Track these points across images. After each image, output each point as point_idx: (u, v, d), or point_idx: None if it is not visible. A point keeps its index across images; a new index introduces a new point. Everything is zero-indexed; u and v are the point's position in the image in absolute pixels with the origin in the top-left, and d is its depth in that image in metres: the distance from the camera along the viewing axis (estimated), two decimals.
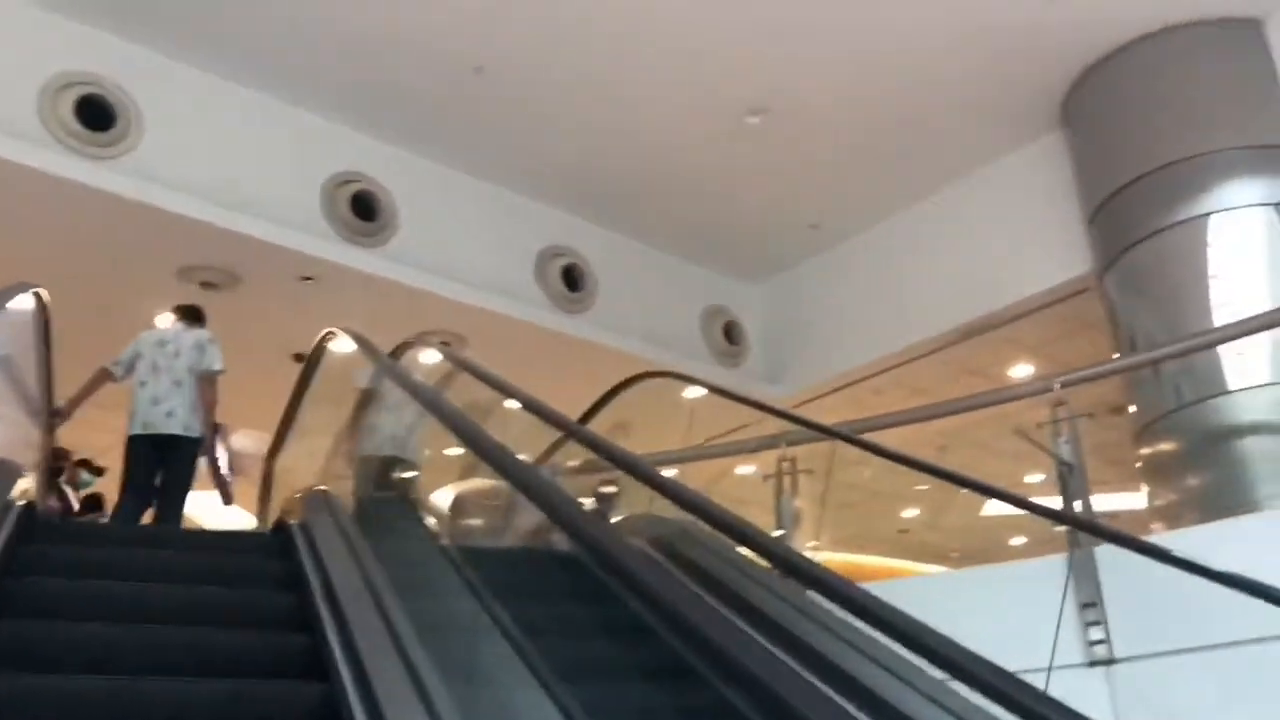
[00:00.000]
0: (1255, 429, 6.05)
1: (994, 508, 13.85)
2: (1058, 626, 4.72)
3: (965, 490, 6.84)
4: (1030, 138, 8.03)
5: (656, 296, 9.20)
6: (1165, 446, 6.43)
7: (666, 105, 7.69)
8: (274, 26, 7.01)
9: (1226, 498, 5.95)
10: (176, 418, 5.63)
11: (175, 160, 6.87)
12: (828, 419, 10.10)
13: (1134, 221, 6.92)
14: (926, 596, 5.73)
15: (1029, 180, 8.04)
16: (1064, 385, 5.68)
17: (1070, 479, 5.57)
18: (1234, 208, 6.53)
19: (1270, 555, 4.72)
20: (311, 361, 5.99)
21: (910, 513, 14.25)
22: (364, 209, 7.64)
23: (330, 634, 2.84)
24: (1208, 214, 6.59)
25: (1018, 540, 17.24)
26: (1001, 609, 5.42)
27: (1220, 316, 6.34)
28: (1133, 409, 6.85)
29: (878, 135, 8.01)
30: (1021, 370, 10.00)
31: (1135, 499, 6.95)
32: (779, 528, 6.48)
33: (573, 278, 8.54)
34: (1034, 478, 13.12)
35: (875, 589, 6.12)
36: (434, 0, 6.86)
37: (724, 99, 7.58)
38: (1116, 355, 7.12)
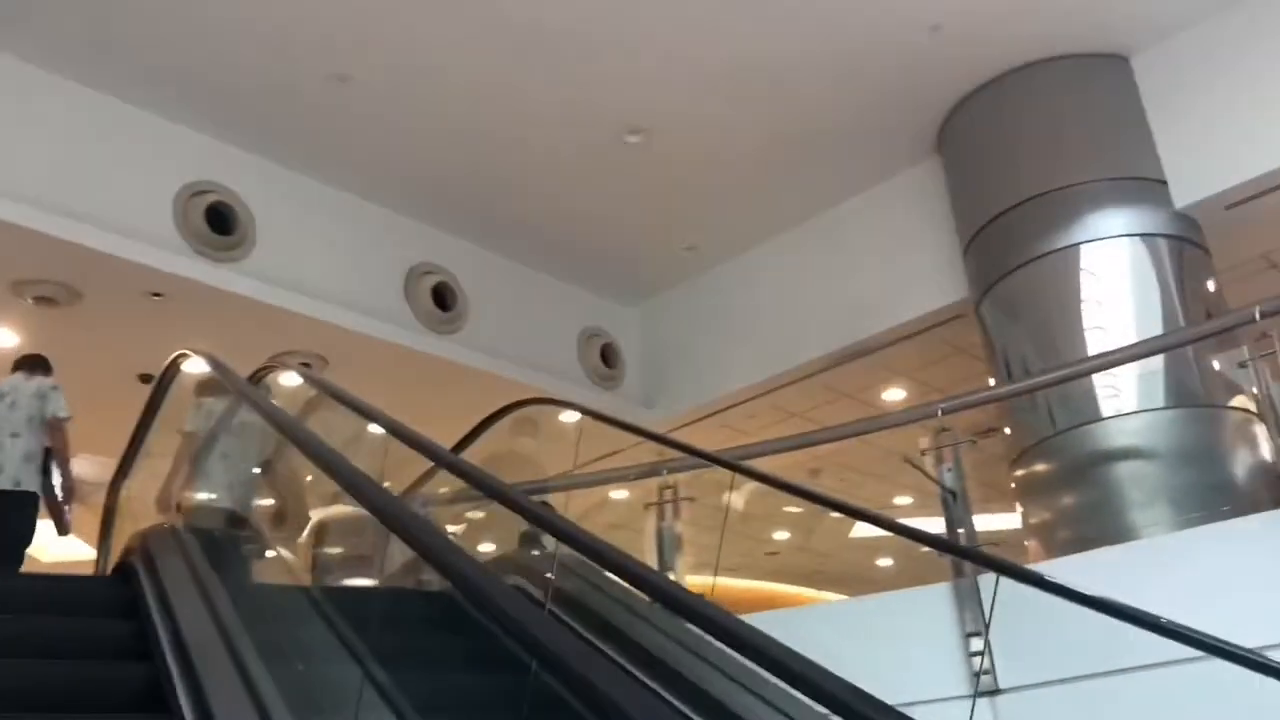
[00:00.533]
0: (1126, 454, 6.16)
1: (862, 530, 14.00)
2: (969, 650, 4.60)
3: (836, 514, 6.80)
4: (908, 164, 8.10)
5: (532, 317, 8.95)
6: (1042, 471, 6.49)
7: (544, 121, 7.47)
8: (123, 22, 6.52)
9: (1102, 522, 6.04)
10: (5, 473, 5.44)
11: (7, 164, 6.30)
12: (703, 443, 10.02)
13: (1008, 250, 7.01)
14: (813, 626, 5.65)
15: (906, 206, 8.11)
16: (945, 412, 5.67)
17: (954, 506, 5.56)
18: (1103, 238, 6.67)
19: (1152, 581, 4.79)
20: (162, 384, 5.54)
21: (780, 535, 14.29)
22: (220, 221, 7.17)
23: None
24: (1079, 244, 6.71)
25: (884, 561, 17.57)
26: (887, 638, 5.36)
27: (1092, 343, 6.47)
28: (1007, 431, 6.92)
29: (756, 158, 7.96)
30: (893, 394, 10.10)
31: (1009, 519, 7.03)
32: (660, 556, 6.31)
33: (443, 297, 8.21)
34: (902, 499, 13.37)
35: (764, 619, 6.02)
36: (297, 3, 6.49)
37: (603, 117, 7.41)
38: (992, 381, 7.21)
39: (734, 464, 6.08)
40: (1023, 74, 7.25)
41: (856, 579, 17.00)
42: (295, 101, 7.19)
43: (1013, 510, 6.97)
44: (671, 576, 6.17)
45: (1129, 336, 6.38)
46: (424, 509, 5.42)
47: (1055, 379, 5.92)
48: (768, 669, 3.19)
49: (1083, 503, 6.26)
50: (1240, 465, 5.99)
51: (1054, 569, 4.97)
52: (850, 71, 7.17)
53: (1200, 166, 6.70)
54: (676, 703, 4.24)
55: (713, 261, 9.21)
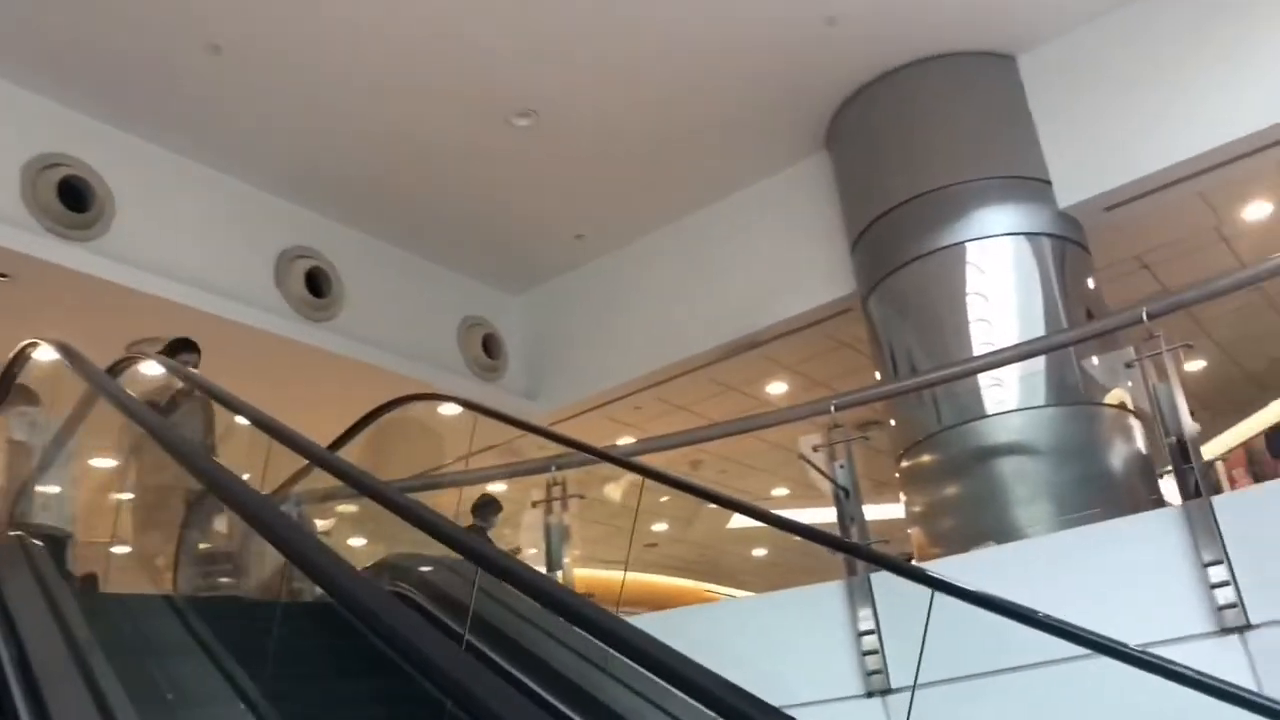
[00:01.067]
0: (1009, 451, 6.25)
1: (739, 521, 14.12)
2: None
3: (713, 506, 6.74)
4: (798, 157, 8.09)
5: (411, 305, 8.63)
6: (929, 466, 6.54)
7: (429, 101, 7.17)
8: None
9: (987, 518, 6.12)
10: None
11: None
12: (587, 436, 9.86)
13: (896, 246, 7.05)
14: (706, 626, 5.57)
15: (796, 199, 8.10)
16: (839, 407, 5.63)
17: (846, 503, 5.53)
18: (989, 236, 6.76)
19: (1042, 580, 4.84)
20: (7, 376, 5.09)
21: (659, 527, 14.26)
22: (74, 197, 6.64)
23: None
24: (965, 241, 6.78)
25: (759, 551, 17.76)
26: (781, 638, 5.30)
27: (978, 340, 6.55)
28: (892, 423, 6.96)
29: (648, 146, 7.82)
30: (777, 387, 10.13)
31: (892, 509, 7.07)
32: (548, 554, 6.14)
33: (317, 283, 7.83)
34: (780, 490, 13.47)
35: (651, 620, 5.89)
36: None
37: (492, 98, 7.16)
38: (878, 375, 7.24)
39: (646, 468, 5.88)
40: (913, 70, 7.29)
41: (734, 570, 17.24)
42: (162, 72, 6.72)
43: (896, 501, 7.03)
44: (560, 575, 6.01)
45: (1013, 333, 6.48)
46: (297, 509, 5.11)
47: (945, 376, 5.95)
48: (652, 671, 3.04)
49: (968, 498, 6.34)
50: (1119, 462, 6.14)
51: (945, 567, 5.00)
52: (745, 62, 7.09)
53: (1083, 168, 6.84)
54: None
55: (600, 251, 9.05)
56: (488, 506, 7.41)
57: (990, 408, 6.31)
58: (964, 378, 6.01)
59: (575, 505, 6.31)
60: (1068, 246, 6.81)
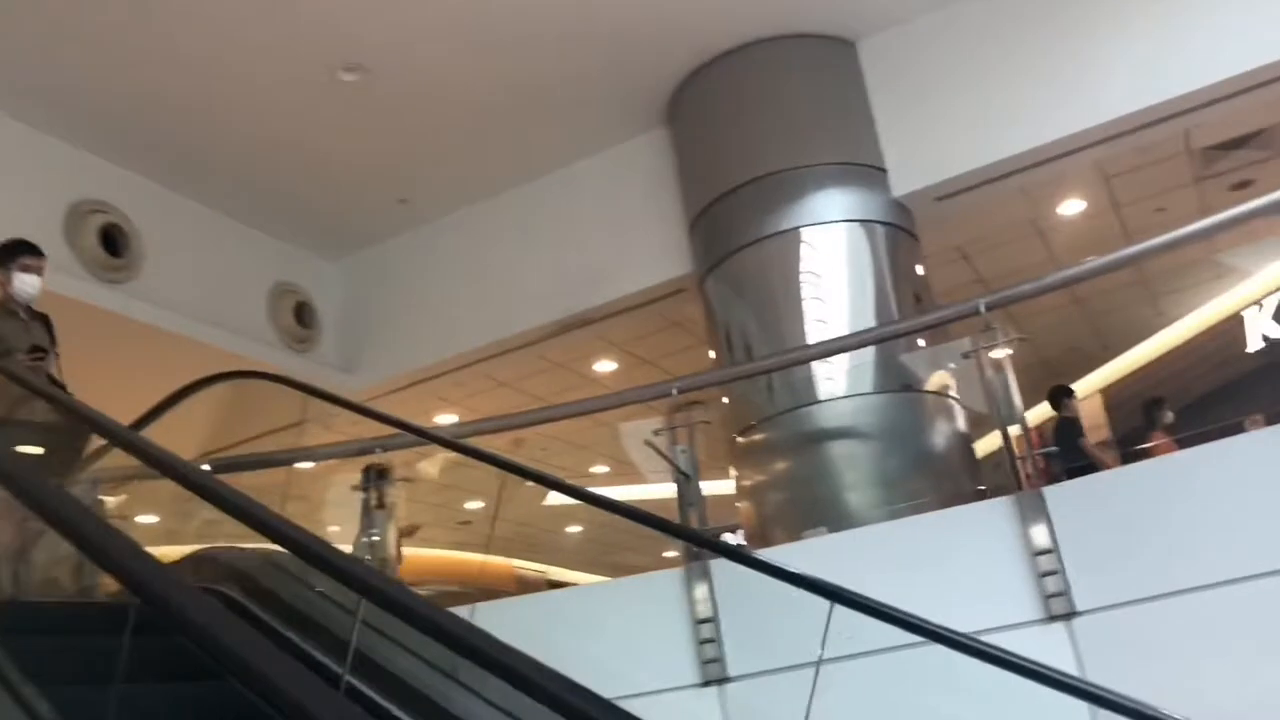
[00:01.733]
0: (841, 436, 6.31)
1: (554, 499, 13.96)
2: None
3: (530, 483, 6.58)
4: (639, 131, 7.95)
5: (217, 268, 8.03)
6: (763, 448, 6.53)
7: (245, 45, 6.61)
8: None
9: (820, 501, 6.17)
10: None
11: None
12: (405, 412, 9.48)
13: (734, 228, 7.01)
14: (541, 615, 5.38)
15: (635, 175, 7.95)
16: (681, 391, 5.54)
17: (687, 488, 5.45)
18: (826, 222, 6.79)
19: (877, 567, 4.89)
20: None
21: (474, 504, 13.98)
22: None
23: None
24: (801, 226, 6.79)
25: (575, 528, 17.66)
26: (620, 626, 5.18)
27: (812, 325, 6.58)
28: (725, 400, 6.91)
29: (481, 111, 7.50)
30: (605, 365, 10.02)
31: (724, 485, 7.04)
32: (367, 540, 5.81)
33: (114, 240, 7.15)
34: (599, 468, 13.37)
35: (486, 610, 5.67)
36: None
37: (317, 49, 6.68)
38: (712, 355, 7.21)
39: (503, 462, 5.64)
40: (755, 50, 7.25)
41: (550, 546, 17.19)
42: None
43: (726, 478, 7.01)
44: (386, 563, 5.70)
45: (846, 319, 6.55)
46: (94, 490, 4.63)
47: (787, 361, 5.96)
48: (473, 660, 2.82)
49: (800, 482, 6.38)
50: (946, 450, 6.30)
51: (783, 554, 4.97)
52: (586, 28, 6.87)
53: (917, 157, 6.97)
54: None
55: (426, 218, 8.66)
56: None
57: (823, 393, 6.35)
58: (806, 363, 6.02)
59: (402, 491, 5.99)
60: (899, 234, 6.93)
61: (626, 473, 13.11)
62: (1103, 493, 4.68)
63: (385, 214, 8.58)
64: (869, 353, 6.31)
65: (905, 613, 4.06)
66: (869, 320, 6.53)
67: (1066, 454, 6.89)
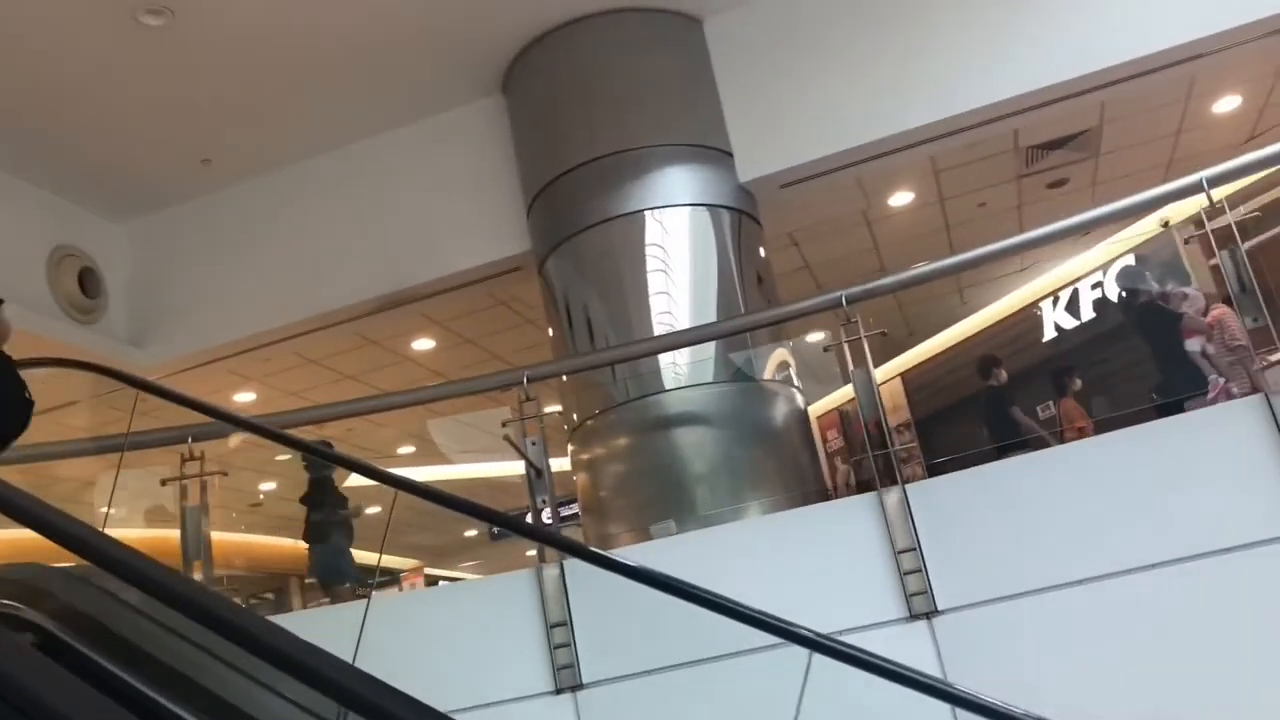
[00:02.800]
0: (688, 425, 6.20)
1: (355, 480, 13.37)
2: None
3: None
4: (473, 98, 7.57)
5: None
6: (608, 437, 6.34)
7: None
8: None
9: (665, 493, 6.03)
10: None
11: None
12: (204, 391, 8.78)
13: (578, 208, 6.77)
14: (395, 617, 5.03)
15: (468, 144, 7.57)
16: (532, 379, 5.29)
17: (539, 484, 5.20)
18: (671, 205, 6.64)
19: (735, 567, 4.79)
20: None
21: (267, 486, 13.26)
22: None
23: None
24: (647, 209, 6.62)
25: (373, 509, 17.00)
26: (472, 632, 4.89)
27: (659, 311, 6.42)
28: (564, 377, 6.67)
29: (298, 64, 6.93)
30: (423, 343, 9.58)
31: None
32: (185, 540, 5.28)
33: None
34: (406, 449, 12.88)
35: (336, 612, 5.27)
36: None
37: None
38: (550, 333, 6.95)
39: (271, 430, 5.24)
40: (598, 21, 6.99)
41: (448, 547, 16.98)
42: None
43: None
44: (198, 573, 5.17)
45: (691, 305, 6.43)
46: None
47: (639, 352, 5.78)
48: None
49: (647, 474, 6.22)
50: (794, 443, 6.29)
51: (640, 554, 4.81)
52: None
53: (763, 142, 6.91)
54: None
55: (231, 179, 7.96)
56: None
57: (669, 382, 6.21)
58: (659, 354, 5.84)
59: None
60: (745, 220, 6.85)
61: (432, 453, 12.68)
62: (965, 490, 4.72)
63: (184, 173, 7.84)
64: (713, 344, 6.22)
65: (765, 613, 3.97)
66: (715, 307, 6.44)
67: (998, 424, 7.03)
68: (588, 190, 6.73)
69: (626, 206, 6.59)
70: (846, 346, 5.00)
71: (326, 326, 7.96)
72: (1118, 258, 10.83)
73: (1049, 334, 12.17)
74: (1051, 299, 11.80)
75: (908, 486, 4.67)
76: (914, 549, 4.60)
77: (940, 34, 6.76)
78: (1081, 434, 6.83)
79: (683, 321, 6.36)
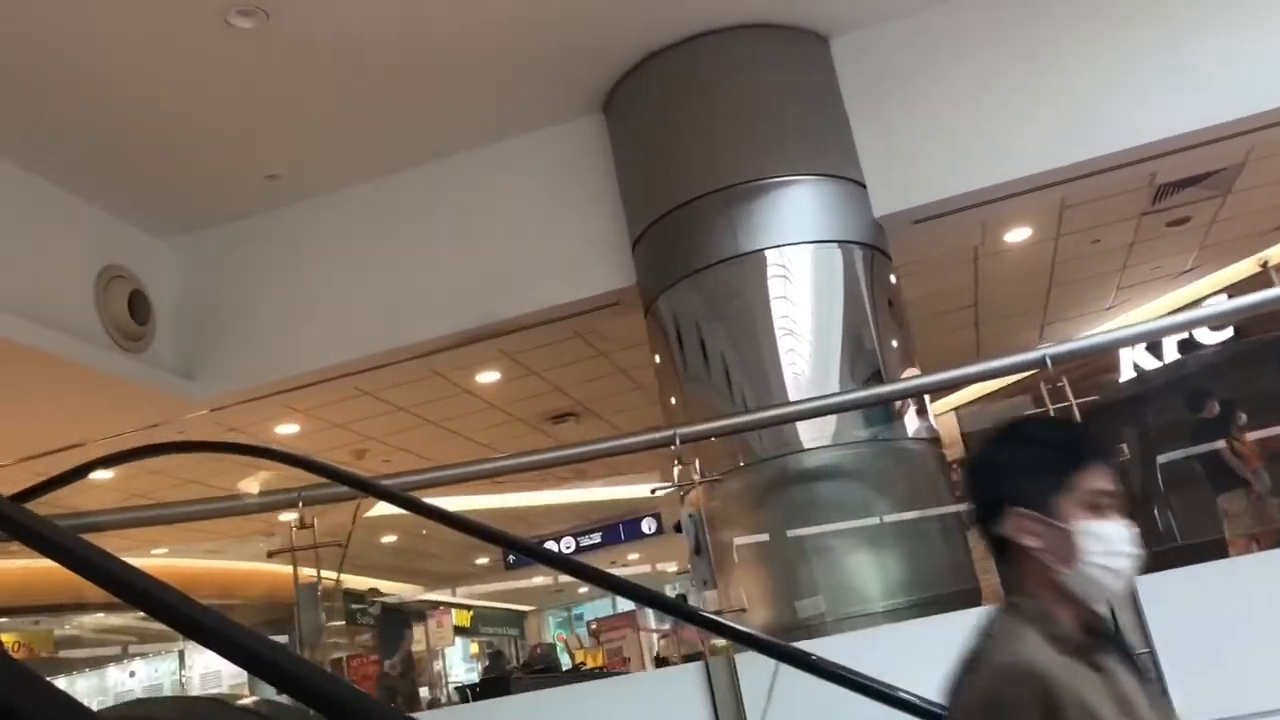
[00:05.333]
0: (832, 489, 5.70)
1: (379, 510, 12.93)
2: None
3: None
4: (573, 116, 7.03)
5: (36, 245, 6.54)
6: (735, 497, 5.82)
7: None
8: None
9: (811, 567, 5.52)
10: None
11: None
12: (242, 421, 8.18)
13: (696, 245, 6.26)
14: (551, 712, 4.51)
15: (566, 169, 7.04)
16: (684, 440, 4.75)
17: (700, 564, 4.67)
18: (803, 242, 6.14)
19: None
20: None
21: (286, 517, 12.69)
22: None
23: None
24: (777, 246, 6.12)
25: (389, 538, 16.47)
26: None
27: (788, 354, 5.93)
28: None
29: (395, 72, 6.38)
30: (488, 376, 9.02)
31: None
32: (298, 626, 4.73)
33: None
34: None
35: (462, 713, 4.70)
36: None
37: None
38: (663, 374, 6.41)
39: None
40: (712, 40, 6.49)
41: (363, 555, 16.35)
42: None
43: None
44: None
45: (828, 349, 5.96)
46: None
47: (808, 411, 5.22)
48: None
49: (782, 540, 5.68)
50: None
51: (824, 648, 4.30)
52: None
53: (900, 174, 6.45)
54: None
55: (296, 197, 7.39)
56: None
57: (808, 440, 5.70)
58: (830, 413, 5.34)
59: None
60: (876, 256, 6.37)
61: (464, 483, 12.13)
62: (1204, 585, 4.24)
63: (244, 188, 7.27)
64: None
65: None
66: (851, 351, 5.97)
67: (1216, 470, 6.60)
68: (710, 223, 6.22)
69: (757, 242, 6.09)
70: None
71: (397, 362, 7.40)
72: (1208, 297, 10.49)
73: (1126, 374, 11.82)
74: None
75: (1140, 579, 4.18)
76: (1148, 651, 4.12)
77: (1092, 71, 6.32)
78: None
79: (816, 367, 5.88)
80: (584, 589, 26.16)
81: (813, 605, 5.36)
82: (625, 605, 24.87)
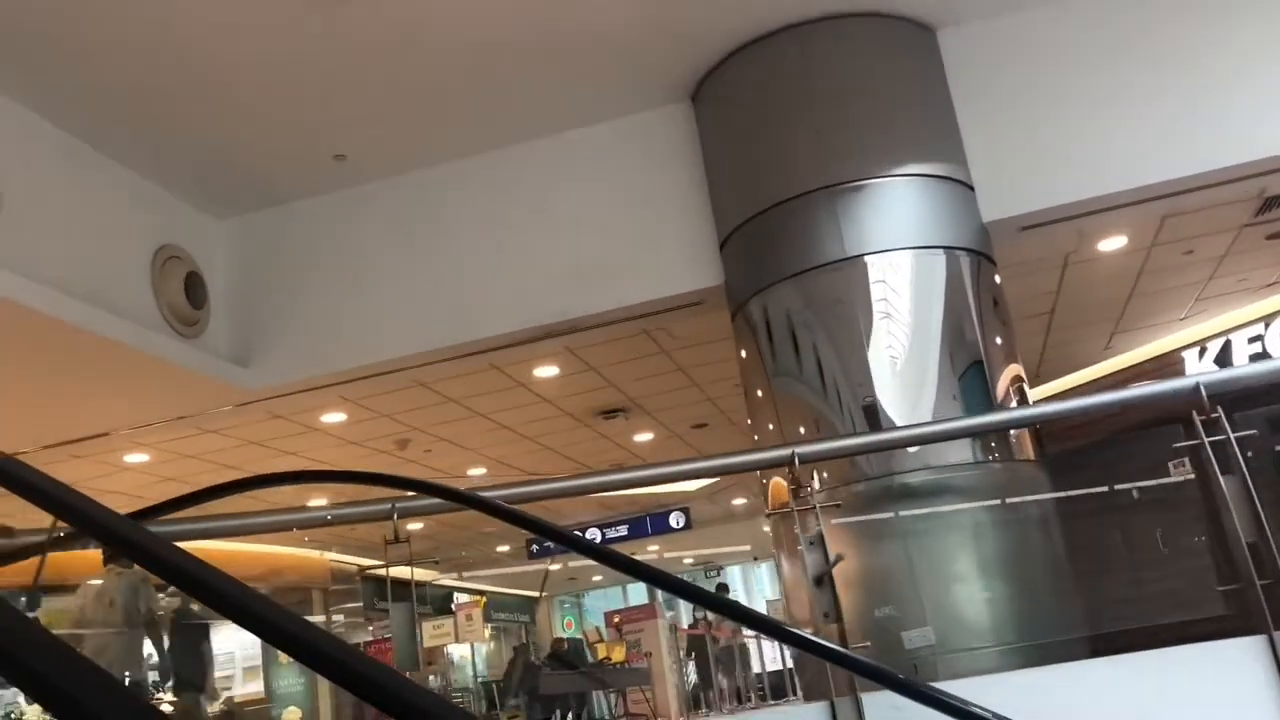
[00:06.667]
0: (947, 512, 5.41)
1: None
2: None
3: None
4: (659, 105, 6.72)
5: (93, 223, 6.24)
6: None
7: None
8: None
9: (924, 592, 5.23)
10: None
11: None
12: (290, 411, 7.90)
13: (792, 247, 5.97)
14: None
15: (649, 159, 6.76)
16: (803, 460, 4.46)
17: (822, 595, 4.38)
18: (911, 247, 5.84)
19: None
20: None
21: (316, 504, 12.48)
22: None
23: None
24: (883, 251, 5.83)
25: (415, 525, 16.38)
26: None
27: (887, 358, 5.63)
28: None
29: (477, 50, 6.07)
30: (546, 370, 8.73)
31: None
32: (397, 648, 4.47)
33: None
34: (476, 470, 12.01)
35: None
36: None
37: None
38: (743, 377, 6.11)
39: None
40: (810, 30, 6.19)
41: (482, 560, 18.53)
42: None
43: None
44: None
45: (934, 359, 5.67)
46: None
47: (940, 433, 4.93)
48: None
49: (883, 566, 5.39)
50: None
51: (968, 689, 4.02)
52: None
53: (1010, 178, 6.14)
54: None
55: (362, 179, 7.08)
56: None
57: (920, 459, 5.40)
58: (959, 437, 5.04)
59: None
60: (983, 262, 6.07)
61: (503, 473, 11.88)
62: None
63: (307, 169, 6.95)
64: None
65: None
66: (961, 361, 5.68)
67: None
68: (815, 223, 5.92)
69: (864, 245, 5.80)
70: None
71: (461, 356, 7.10)
72: None
73: None
74: (1198, 349, 11.12)
75: None
76: None
77: (1211, 78, 6.02)
78: None
79: (916, 370, 5.61)
80: (598, 576, 25.99)
81: (921, 636, 5.09)
82: (638, 596, 24.82)
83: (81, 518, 1.72)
